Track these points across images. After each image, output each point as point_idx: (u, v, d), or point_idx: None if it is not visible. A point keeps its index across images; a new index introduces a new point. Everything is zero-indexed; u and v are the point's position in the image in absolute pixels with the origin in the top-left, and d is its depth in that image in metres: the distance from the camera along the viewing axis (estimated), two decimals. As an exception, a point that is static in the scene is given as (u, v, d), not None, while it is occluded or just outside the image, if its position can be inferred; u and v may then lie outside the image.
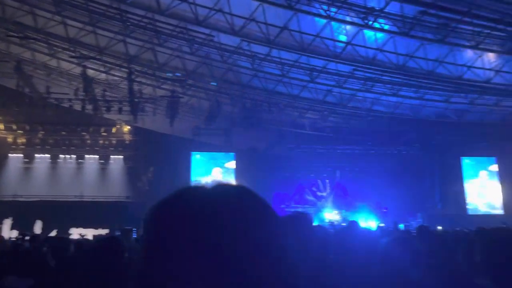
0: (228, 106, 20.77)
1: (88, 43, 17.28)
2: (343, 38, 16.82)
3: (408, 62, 17.05)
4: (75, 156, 23.55)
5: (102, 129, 23.04)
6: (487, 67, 17.87)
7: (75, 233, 15.72)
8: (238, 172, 23.20)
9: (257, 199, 0.74)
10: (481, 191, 25.22)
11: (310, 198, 24.75)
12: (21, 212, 17.45)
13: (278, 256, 0.70)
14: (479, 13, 14.39)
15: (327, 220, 21.49)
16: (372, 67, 17.24)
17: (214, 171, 23.67)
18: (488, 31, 15.21)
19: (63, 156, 23.49)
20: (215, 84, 19.34)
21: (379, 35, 16.67)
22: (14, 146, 23.16)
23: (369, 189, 23.67)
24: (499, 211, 23.91)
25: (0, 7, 15.88)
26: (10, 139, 23.08)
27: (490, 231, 2.41)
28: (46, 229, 15.85)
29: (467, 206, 24.54)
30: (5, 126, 22.67)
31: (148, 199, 18.42)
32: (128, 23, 15.69)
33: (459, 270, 2.80)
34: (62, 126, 22.45)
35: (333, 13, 14.89)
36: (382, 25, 15.75)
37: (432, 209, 22.89)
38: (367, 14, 14.82)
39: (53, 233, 13.40)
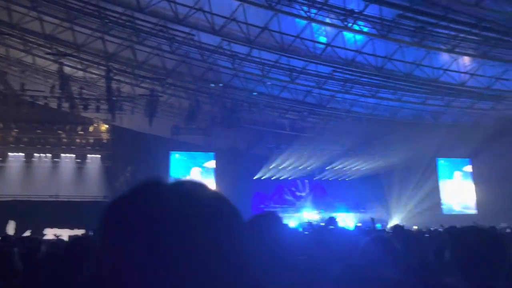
0: (208, 105, 20.67)
1: (65, 40, 16.90)
2: (323, 39, 16.97)
3: (386, 64, 17.32)
4: (50, 155, 22.98)
5: (79, 128, 22.55)
6: (462, 70, 18.31)
7: (49, 233, 15.35)
8: (218, 172, 23.12)
9: (216, 196, 0.73)
10: (456, 191, 25.84)
11: (289, 198, 24.88)
12: (-6, 212, 16.99)
13: (236, 252, 0.68)
14: (455, 18, 14.73)
15: (306, 220, 21.63)
16: (351, 69, 17.45)
17: (193, 170, 23.51)
18: (463, 35, 15.57)
19: (38, 155, 22.92)
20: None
21: (358, 37, 16.88)
22: (-14, 145, 22.51)
23: (348, 189, 23.97)
24: (473, 211, 24.53)
25: (-28, 1, 15.40)
26: (-18, 137, 22.42)
27: (460, 230, 2.45)
28: (19, 229, 15.41)
29: (442, 206, 25.10)
30: (-23, 124, 22.01)
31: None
32: (106, 20, 15.41)
33: (428, 268, 2.85)
34: (37, 124, 21.85)
35: (313, 15, 15.00)
36: (361, 27, 15.96)
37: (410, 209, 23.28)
38: (346, 16, 15.00)
39: (27, 234, 13.06)
